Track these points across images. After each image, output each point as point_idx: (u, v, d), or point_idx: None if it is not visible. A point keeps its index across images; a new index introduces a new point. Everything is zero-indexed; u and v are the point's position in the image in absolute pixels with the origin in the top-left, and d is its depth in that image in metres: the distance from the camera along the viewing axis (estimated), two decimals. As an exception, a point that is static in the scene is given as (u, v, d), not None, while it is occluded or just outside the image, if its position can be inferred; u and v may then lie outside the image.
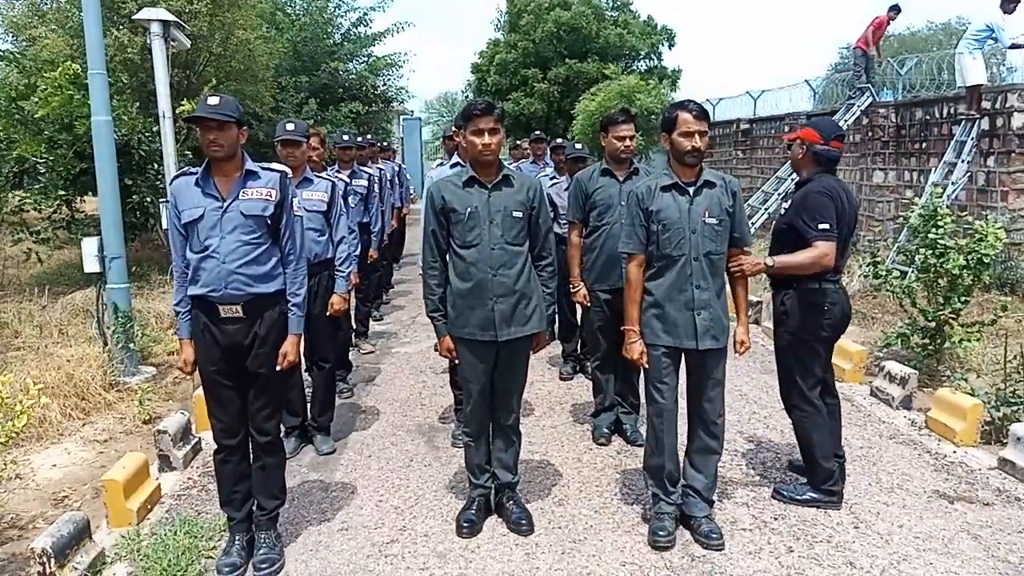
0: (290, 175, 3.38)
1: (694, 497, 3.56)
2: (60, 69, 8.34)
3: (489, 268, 3.39)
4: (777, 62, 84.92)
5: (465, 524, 3.59)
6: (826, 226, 3.55)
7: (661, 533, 3.46)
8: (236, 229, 3.13)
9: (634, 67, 22.74)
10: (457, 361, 3.61)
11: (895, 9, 12.09)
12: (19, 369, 5.45)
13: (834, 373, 4.10)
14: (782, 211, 3.88)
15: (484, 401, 3.58)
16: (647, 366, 3.49)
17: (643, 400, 4.92)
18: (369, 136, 9.81)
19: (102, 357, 5.86)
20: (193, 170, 3.23)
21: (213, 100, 3.10)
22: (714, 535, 3.45)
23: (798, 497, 3.84)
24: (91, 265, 5.91)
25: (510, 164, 8.35)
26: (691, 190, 3.41)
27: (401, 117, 24.44)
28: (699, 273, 3.38)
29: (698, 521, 3.51)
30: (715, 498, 3.69)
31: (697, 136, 3.34)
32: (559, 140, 7.23)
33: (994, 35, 9.60)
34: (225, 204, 3.14)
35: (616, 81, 17.67)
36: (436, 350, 3.83)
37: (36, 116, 8.46)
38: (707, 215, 3.38)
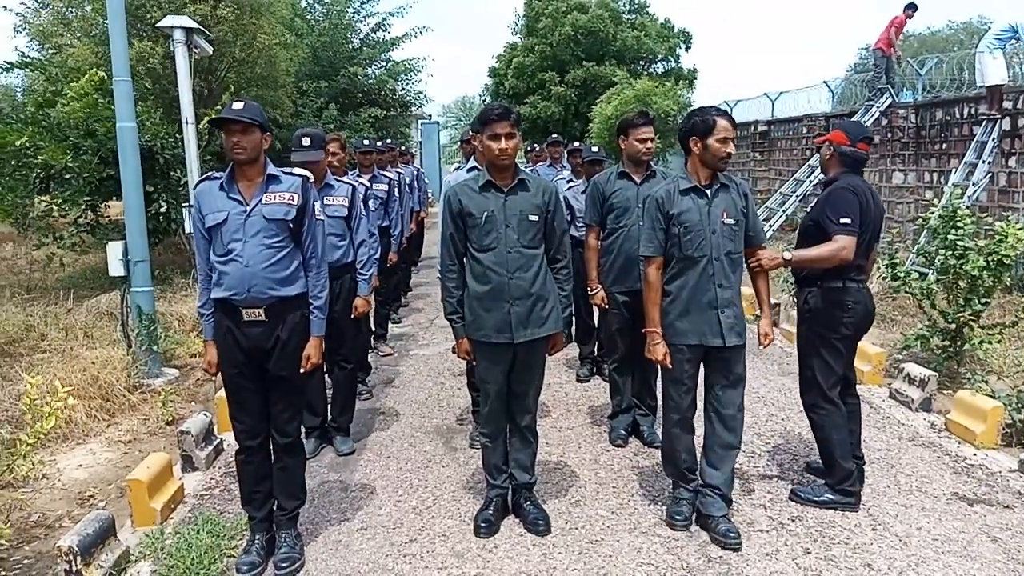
0: (311, 179, 3.42)
1: (711, 496, 3.59)
2: (86, 76, 8.49)
3: (506, 271, 3.42)
4: (789, 60, 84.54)
5: (483, 524, 3.63)
6: (847, 220, 3.60)
7: (678, 517, 3.61)
8: (259, 233, 3.18)
9: (651, 70, 22.70)
10: (475, 363, 3.65)
11: (911, 7, 11.99)
12: (45, 371, 5.56)
13: (855, 373, 4.10)
14: (807, 210, 3.93)
15: (501, 402, 3.62)
16: (671, 366, 3.55)
17: (660, 401, 4.96)
18: (389, 140, 9.88)
19: (126, 359, 5.95)
20: (217, 175, 3.29)
21: (238, 104, 3.17)
22: (731, 534, 3.47)
23: (815, 498, 3.84)
24: (116, 269, 6.01)
25: (528, 167, 8.43)
26: (708, 192, 3.49)
27: (419, 121, 24.55)
28: (721, 272, 3.47)
29: (716, 521, 3.53)
30: (732, 497, 3.71)
31: (731, 142, 3.45)
32: (576, 143, 7.27)
33: (1017, 35, 9.54)
34: (248, 208, 3.19)
35: (629, 85, 17.62)
36: (454, 352, 3.87)
37: (60, 118, 8.61)
38: (725, 216, 3.48)
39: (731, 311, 3.49)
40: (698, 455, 3.71)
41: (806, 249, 3.72)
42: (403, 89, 19.40)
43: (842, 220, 3.59)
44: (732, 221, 3.49)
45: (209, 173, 3.36)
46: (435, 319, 8.44)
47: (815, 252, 3.67)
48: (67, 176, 8.89)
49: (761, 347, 3.71)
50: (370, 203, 5.29)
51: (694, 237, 3.45)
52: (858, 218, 3.61)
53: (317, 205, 3.38)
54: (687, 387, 3.58)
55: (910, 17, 12.13)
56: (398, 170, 8.46)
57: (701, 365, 3.61)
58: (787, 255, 3.74)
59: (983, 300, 5.65)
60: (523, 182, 3.49)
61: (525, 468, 3.72)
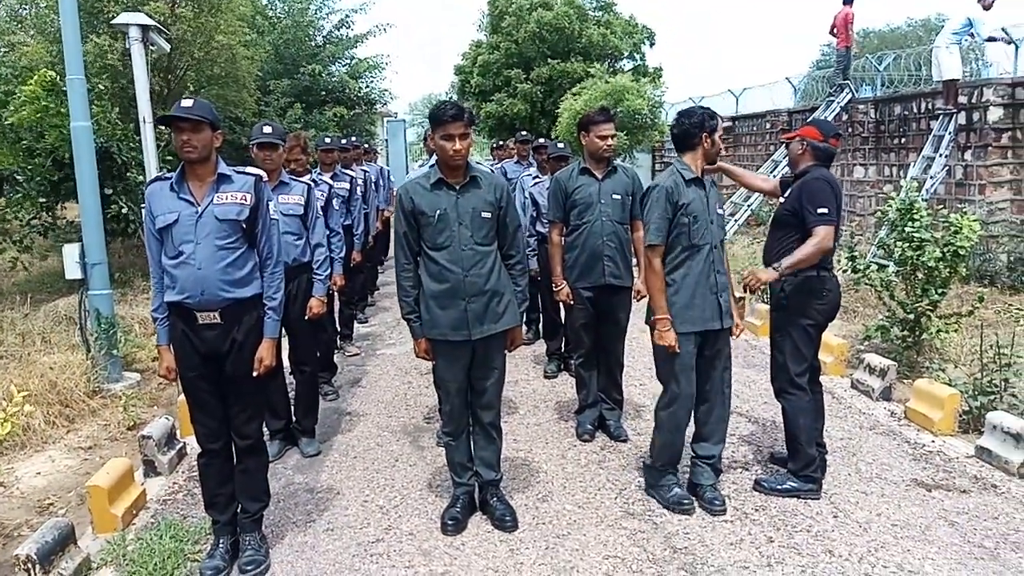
0: (265, 178, 3.37)
1: (702, 467, 3.82)
2: (36, 77, 8.28)
3: (461, 269, 3.42)
4: (755, 58, 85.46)
5: (450, 522, 3.62)
6: (825, 210, 3.71)
7: (686, 502, 3.77)
8: (211, 234, 3.12)
9: (617, 66, 22.77)
10: (434, 362, 3.64)
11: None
12: (1, 378, 5.42)
13: (819, 363, 4.18)
14: (782, 200, 4.01)
15: (462, 399, 3.61)
16: (679, 351, 3.65)
17: (627, 396, 5.00)
18: (354, 138, 9.79)
19: (85, 364, 5.84)
20: (168, 175, 3.21)
21: (187, 102, 3.11)
22: (717, 502, 3.73)
23: (779, 487, 3.90)
24: (73, 271, 5.88)
25: (494, 165, 8.41)
26: (705, 184, 3.70)
27: (385, 119, 24.40)
28: (718, 259, 3.71)
29: (704, 488, 3.80)
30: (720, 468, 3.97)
31: None
32: (541, 140, 7.27)
33: (972, 29, 9.73)
34: (200, 209, 3.12)
35: (604, 80, 17.60)
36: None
37: (9, 124, 8.42)
38: (718, 206, 3.72)
39: (725, 295, 3.71)
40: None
41: (792, 256, 3.69)
42: (367, 87, 19.24)
43: (819, 210, 3.70)
44: (721, 212, 3.74)
45: (159, 173, 3.29)
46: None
47: (802, 253, 3.68)
48: (19, 179, 8.69)
49: (732, 337, 3.84)
50: (334, 202, 5.24)
51: (700, 225, 3.63)
52: (834, 207, 3.73)
53: (271, 204, 3.33)
54: (690, 374, 3.74)
55: (850, 4, 12.21)
56: (364, 168, 8.40)
57: None
58: (779, 264, 3.70)
59: (940, 291, 5.76)
60: (475, 179, 3.48)
61: (490, 465, 3.72)
